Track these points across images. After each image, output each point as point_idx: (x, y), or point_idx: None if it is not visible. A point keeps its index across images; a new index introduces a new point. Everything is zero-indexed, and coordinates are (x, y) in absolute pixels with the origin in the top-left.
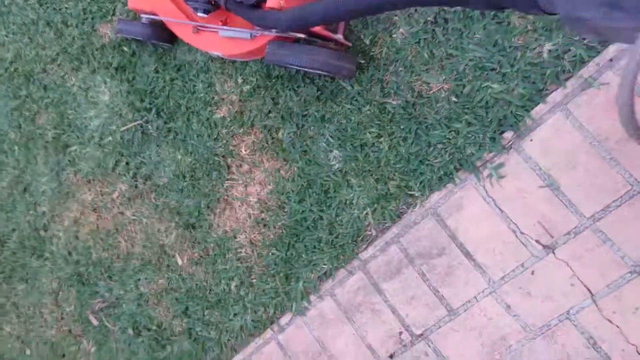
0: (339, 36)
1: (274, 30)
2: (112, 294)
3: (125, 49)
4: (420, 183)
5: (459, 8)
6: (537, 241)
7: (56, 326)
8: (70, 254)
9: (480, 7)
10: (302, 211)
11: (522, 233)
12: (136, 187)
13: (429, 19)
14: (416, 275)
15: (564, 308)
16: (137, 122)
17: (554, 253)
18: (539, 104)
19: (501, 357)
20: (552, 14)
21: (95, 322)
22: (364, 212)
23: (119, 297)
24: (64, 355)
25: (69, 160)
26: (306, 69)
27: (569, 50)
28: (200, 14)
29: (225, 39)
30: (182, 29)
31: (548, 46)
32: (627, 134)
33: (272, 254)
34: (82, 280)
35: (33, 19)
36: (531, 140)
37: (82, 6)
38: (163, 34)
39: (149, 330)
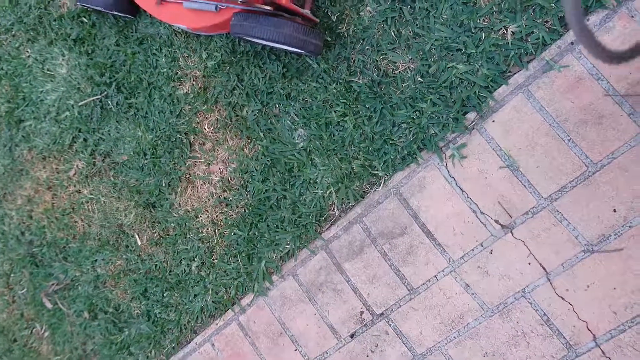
0: (306, 11)
1: (240, 0)
2: (67, 276)
3: (85, 19)
4: (384, 163)
5: None
6: (496, 221)
7: (7, 310)
8: (23, 234)
9: None
10: (266, 190)
11: (482, 213)
12: (94, 164)
13: None
14: (378, 254)
15: (520, 286)
16: (96, 97)
17: (512, 232)
18: (502, 85)
19: (459, 335)
20: None
21: (49, 305)
22: (328, 192)
23: (75, 279)
24: (15, 340)
25: (23, 136)
26: (272, 44)
27: (532, 32)
28: None
29: (190, 11)
30: None
31: (512, 28)
32: (590, 53)
33: (235, 233)
34: (35, 262)
35: None
36: (493, 121)
37: None
38: (125, 5)
39: (105, 312)
